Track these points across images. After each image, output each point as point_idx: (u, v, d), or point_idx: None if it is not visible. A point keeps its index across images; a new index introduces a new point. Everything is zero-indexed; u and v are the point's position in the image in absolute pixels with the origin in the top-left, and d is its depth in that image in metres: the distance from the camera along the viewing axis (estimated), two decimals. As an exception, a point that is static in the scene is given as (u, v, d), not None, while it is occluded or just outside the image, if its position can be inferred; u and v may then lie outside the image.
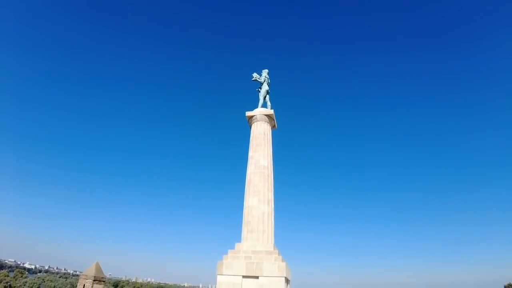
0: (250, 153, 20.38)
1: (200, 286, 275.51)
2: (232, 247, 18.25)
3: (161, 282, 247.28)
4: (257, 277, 16.41)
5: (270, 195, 19.26)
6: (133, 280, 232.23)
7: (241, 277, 16.64)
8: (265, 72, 23.01)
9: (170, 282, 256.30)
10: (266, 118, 21.35)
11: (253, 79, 22.80)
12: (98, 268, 29.25)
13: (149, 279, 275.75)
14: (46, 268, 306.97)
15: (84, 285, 27.69)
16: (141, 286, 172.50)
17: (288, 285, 17.91)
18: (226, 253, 17.96)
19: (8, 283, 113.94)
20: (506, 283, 47.10)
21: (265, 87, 22.43)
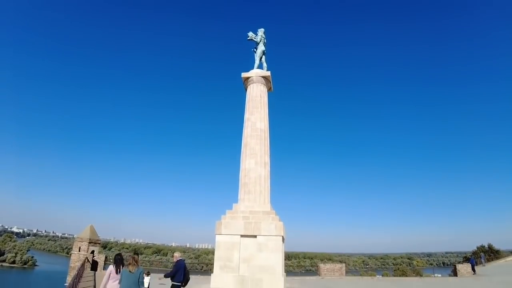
0: (246, 116, 20.11)
1: (187, 245, 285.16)
2: (229, 208, 18.58)
3: (149, 242, 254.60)
4: (255, 236, 16.92)
5: (267, 158, 19.39)
6: (121, 241, 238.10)
7: (239, 236, 17.11)
8: (261, 31, 21.97)
9: (158, 243, 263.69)
10: (263, 80, 20.84)
11: (248, 38, 21.78)
12: (93, 231, 29.58)
13: (137, 240, 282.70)
14: (35, 231, 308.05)
15: (80, 247, 28.07)
16: (129, 246, 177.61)
17: (284, 243, 18.66)
18: (224, 213, 18.29)
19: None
20: (478, 245, 50.25)
21: (261, 47, 21.55)
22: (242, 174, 19.12)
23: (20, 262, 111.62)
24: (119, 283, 7.82)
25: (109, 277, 8.08)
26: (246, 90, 21.25)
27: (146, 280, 12.24)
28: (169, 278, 10.87)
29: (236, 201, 19.04)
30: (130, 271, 7.67)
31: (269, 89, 21.70)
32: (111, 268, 8.29)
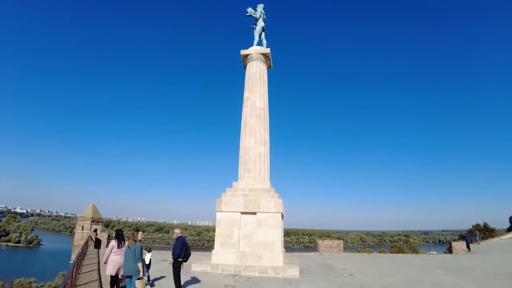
0: (246, 94, 19.87)
1: (189, 222, 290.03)
2: (230, 186, 18.70)
3: (150, 220, 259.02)
4: (255, 213, 17.13)
5: (266, 136, 19.33)
6: (124, 219, 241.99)
7: (240, 213, 17.32)
8: (260, 7, 21.26)
9: (159, 220, 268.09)
10: (262, 57, 20.41)
11: (247, 14, 21.13)
12: (95, 210, 30.02)
13: (138, 218, 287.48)
14: (38, 211, 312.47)
15: (83, 226, 28.55)
16: (132, 225, 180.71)
17: (283, 220, 18.95)
18: (225, 191, 18.42)
19: (2, 228, 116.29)
20: (474, 224, 51.06)
21: (260, 24, 20.95)
22: (242, 152, 19.12)
23: (25, 242, 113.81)
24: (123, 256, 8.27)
25: (111, 250, 8.49)
26: (245, 68, 20.89)
27: (148, 256, 12.53)
28: (171, 254, 11.00)
29: (236, 179, 19.14)
30: (128, 247, 8.24)
31: (268, 67, 21.31)
32: (113, 242, 8.68)
